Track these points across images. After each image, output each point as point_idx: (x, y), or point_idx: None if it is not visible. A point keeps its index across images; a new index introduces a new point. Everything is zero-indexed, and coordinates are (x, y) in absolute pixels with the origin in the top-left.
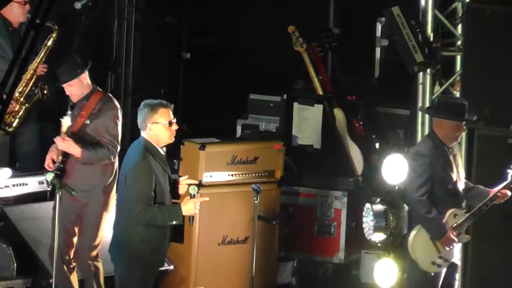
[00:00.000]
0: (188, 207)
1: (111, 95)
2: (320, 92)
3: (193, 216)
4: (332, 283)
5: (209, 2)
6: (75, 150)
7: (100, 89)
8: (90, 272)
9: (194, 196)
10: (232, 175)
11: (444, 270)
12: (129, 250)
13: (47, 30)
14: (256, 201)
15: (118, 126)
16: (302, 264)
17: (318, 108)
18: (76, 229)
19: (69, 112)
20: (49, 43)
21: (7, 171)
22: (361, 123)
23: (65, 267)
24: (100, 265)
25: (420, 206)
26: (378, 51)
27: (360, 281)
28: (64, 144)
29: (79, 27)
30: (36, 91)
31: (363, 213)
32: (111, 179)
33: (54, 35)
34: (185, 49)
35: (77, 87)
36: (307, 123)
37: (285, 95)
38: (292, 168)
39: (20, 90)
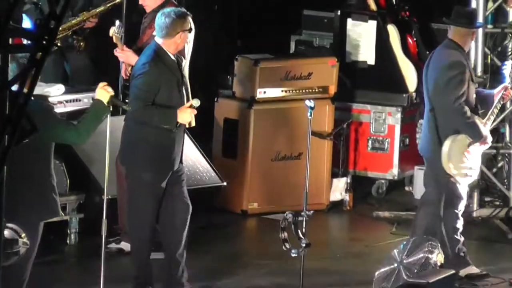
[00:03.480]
0: (184, 115)
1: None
2: (374, 8)
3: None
4: (385, 199)
5: None
6: (133, 59)
7: (174, 2)
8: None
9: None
10: (286, 91)
11: None
12: (134, 151)
13: None
14: (310, 117)
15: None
16: (355, 180)
17: (372, 24)
18: None
19: (117, 22)
20: (110, 4)
21: (61, 87)
22: (414, 39)
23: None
24: None
25: (461, 113)
26: None
27: (414, 197)
28: (123, 54)
29: None
30: (74, 41)
31: (417, 129)
32: None
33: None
34: None
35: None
36: (361, 39)
37: (339, 11)
38: (346, 83)
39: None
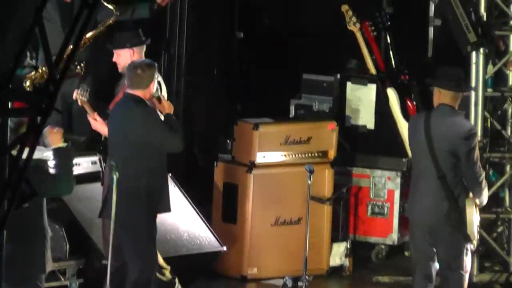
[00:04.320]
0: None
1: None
2: (373, 71)
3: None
4: (385, 264)
5: None
6: (102, 129)
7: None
8: None
9: (159, 98)
10: (285, 155)
11: None
12: (135, 196)
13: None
14: (309, 182)
15: None
16: (355, 245)
17: (371, 88)
18: None
19: (81, 86)
20: (102, 28)
21: None
22: (414, 102)
23: None
24: None
25: (480, 175)
26: (431, 30)
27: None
28: (93, 123)
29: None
30: (76, 69)
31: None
32: None
33: (111, 21)
34: (238, 28)
35: (122, 59)
36: (360, 102)
37: (338, 75)
38: (345, 148)
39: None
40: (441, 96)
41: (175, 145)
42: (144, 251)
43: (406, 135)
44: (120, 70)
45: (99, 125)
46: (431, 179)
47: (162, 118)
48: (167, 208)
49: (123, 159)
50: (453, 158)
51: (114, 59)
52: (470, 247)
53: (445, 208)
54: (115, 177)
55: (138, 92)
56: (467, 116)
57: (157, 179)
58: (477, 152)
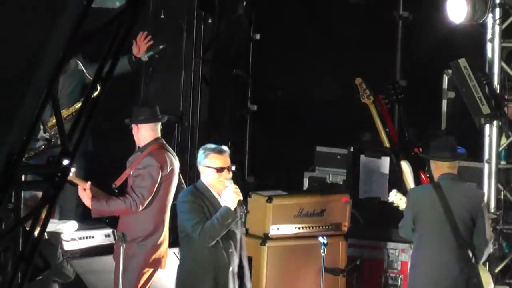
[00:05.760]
0: (230, 197)
1: (164, 149)
2: (387, 144)
3: (244, 207)
4: None
5: (276, 55)
6: (85, 201)
7: (162, 142)
8: None
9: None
10: (299, 227)
11: None
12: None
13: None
14: (323, 254)
15: (146, 180)
16: None
17: (384, 160)
18: None
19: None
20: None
21: (74, 224)
22: (427, 175)
23: None
24: None
25: (491, 237)
26: (444, 103)
27: None
28: (80, 193)
29: (146, 79)
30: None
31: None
32: (148, 233)
33: (96, 94)
34: (252, 101)
35: (141, 133)
36: (373, 175)
37: (352, 148)
38: (359, 220)
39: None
40: (438, 167)
41: None
42: None
43: None
44: (138, 144)
45: (84, 196)
46: (449, 248)
47: None
48: None
49: None
50: (472, 224)
51: (134, 133)
52: None
53: (466, 274)
54: (122, 248)
55: None
56: (480, 187)
57: None
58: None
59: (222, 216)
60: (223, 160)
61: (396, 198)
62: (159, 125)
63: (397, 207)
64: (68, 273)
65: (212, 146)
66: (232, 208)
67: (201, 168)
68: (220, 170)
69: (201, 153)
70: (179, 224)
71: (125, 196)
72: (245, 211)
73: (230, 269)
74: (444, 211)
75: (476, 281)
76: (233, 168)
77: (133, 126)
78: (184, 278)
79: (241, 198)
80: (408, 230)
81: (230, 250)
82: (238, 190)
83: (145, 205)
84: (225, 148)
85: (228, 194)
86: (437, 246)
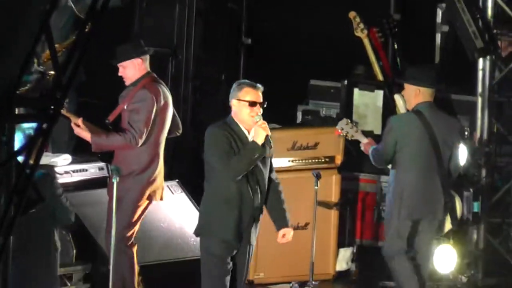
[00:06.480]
0: (258, 133)
1: (157, 82)
2: (380, 77)
3: (271, 144)
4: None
5: None
6: (85, 136)
7: (154, 76)
8: (122, 258)
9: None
10: (292, 160)
11: None
12: (201, 219)
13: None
14: (316, 187)
15: (142, 113)
16: (362, 250)
17: (378, 94)
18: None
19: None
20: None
21: (67, 157)
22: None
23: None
24: (133, 252)
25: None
26: (438, 37)
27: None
28: (74, 128)
29: (140, 13)
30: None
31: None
32: (144, 166)
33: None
34: (246, 34)
35: (129, 71)
36: (367, 108)
37: (345, 81)
38: (352, 154)
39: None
40: (420, 94)
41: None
42: None
43: None
44: (127, 83)
45: (82, 132)
46: (433, 173)
47: None
48: None
49: None
50: (450, 152)
51: (120, 73)
52: None
53: (445, 199)
54: (115, 182)
55: None
56: (474, 121)
57: None
58: None
59: (249, 151)
60: (256, 95)
61: (347, 127)
62: (147, 58)
63: (345, 136)
64: (69, 208)
65: (245, 81)
66: (260, 144)
67: (233, 101)
68: (252, 104)
69: (234, 87)
70: (205, 157)
71: (124, 132)
72: (271, 148)
73: (255, 206)
74: (430, 138)
75: (451, 205)
76: (265, 105)
77: (119, 66)
78: (209, 211)
79: (269, 133)
80: (389, 156)
81: (256, 187)
82: (267, 126)
83: (143, 139)
84: (259, 84)
85: (257, 130)
86: (423, 172)
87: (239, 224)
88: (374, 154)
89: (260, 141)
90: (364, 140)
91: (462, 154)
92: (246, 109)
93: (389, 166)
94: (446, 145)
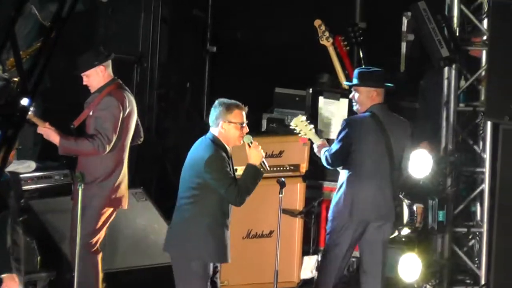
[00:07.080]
0: (254, 156)
1: (122, 89)
2: (346, 86)
3: (263, 162)
4: (356, 277)
5: None
6: (54, 138)
7: (119, 82)
8: (86, 265)
9: (251, 144)
10: None
11: None
12: (193, 241)
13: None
14: (281, 195)
15: (109, 120)
16: None
17: (343, 102)
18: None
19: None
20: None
21: (31, 164)
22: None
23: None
24: (98, 259)
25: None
26: (404, 45)
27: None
28: (43, 131)
29: (105, 20)
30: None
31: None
32: (108, 172)
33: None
34: (211, 42)
35: (93, 79)
36: (332, 117)
37: (310, 89)
38: (317, 162)
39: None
40: (377, 96)
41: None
42: None
43: None
44: (92, 91)
45: (51, 133)
46: (386, 177)
47: None
48: None
49: None
50: (401, 155)
51: (85, 82)
52: None
53: (395, 203)
54: (80, 189)
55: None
56: (439, 130)
57: None
58: None
59: (253, 175)
60: (243, 115)
61: (302, 124)
62: (109, 64)
63: (298, 133)
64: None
65: (231, 101)
66: (257, 165)
67: (222, 123)
68: (242, 125)
69: (221, 108)
70: (204, 180)
71: (92, 137)
72: (266, 166)
73: (229, 218)
74: (384, 140)
75: (399, 210)
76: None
77: (83, 75)
78: (200, 233)
79: (263, 155)
80: (344, 157)
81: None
82: (260, 147)
83: (111, 146)
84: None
85: (252, 152)
86: (377, 176)
87: (228, 243)
88: (328, 156)
89: (257, 163)
90: (317, 141)
91: (427, 163)
92: (235, 130)
93: (339, 168)
94: (398, 148)
